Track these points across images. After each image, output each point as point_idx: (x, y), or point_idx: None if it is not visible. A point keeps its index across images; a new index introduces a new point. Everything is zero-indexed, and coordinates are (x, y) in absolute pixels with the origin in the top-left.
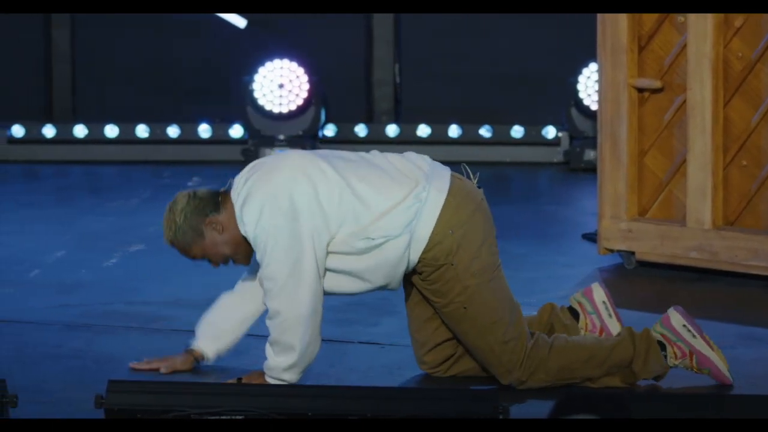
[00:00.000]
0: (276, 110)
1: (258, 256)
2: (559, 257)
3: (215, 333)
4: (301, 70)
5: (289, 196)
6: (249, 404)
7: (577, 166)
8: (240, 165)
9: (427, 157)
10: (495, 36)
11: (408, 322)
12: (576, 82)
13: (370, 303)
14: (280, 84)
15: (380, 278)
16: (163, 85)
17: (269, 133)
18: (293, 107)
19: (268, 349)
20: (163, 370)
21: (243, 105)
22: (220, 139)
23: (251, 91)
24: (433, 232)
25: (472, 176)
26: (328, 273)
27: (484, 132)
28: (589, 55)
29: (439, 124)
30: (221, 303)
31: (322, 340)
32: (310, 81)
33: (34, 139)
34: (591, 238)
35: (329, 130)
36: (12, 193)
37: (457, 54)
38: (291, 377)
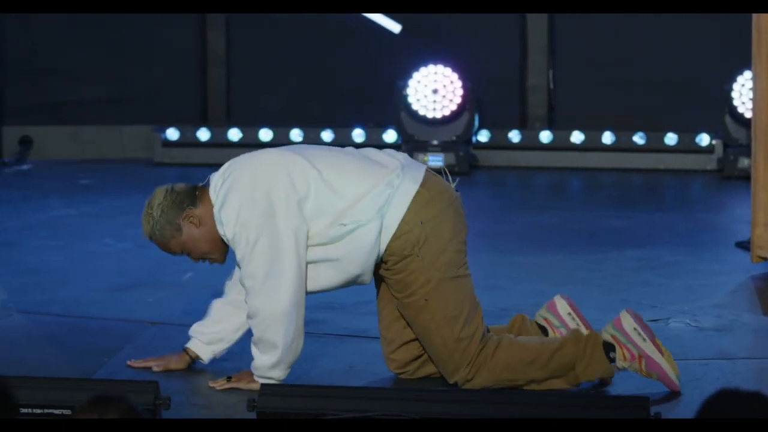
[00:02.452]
0: (430, 115)
1: (238, 256)
2: (713, 265)
3: (210, 338)
4: (455, 76)
5: (267, 194)
6: (400, 408)
7: (731, 174)
8: None
9: (405, 154)
10: (650, 42)
11: (378, 320)
12: (731, 89)
13: (523, 309)
14: (435, 89)
15: (355, 267)
16: (317, 90)
17: (423, 138)
18: (447, 112)
19: (253, 349)
20: (155, 369)
21: (397, 110)
22: (373, 144)
23: (405, 96)
24: (403, 220)
25: (450, 180)
26: (308, 266)
27: (638, 139)
28: (744, 63)
29: (592, 130)
30: (215, 312)
31: None
32: (464, 86)
33: (188, 142)
34: (744, 246)
35: (482, 136)
36: None
37: (611, 60)
38: (278, 374)
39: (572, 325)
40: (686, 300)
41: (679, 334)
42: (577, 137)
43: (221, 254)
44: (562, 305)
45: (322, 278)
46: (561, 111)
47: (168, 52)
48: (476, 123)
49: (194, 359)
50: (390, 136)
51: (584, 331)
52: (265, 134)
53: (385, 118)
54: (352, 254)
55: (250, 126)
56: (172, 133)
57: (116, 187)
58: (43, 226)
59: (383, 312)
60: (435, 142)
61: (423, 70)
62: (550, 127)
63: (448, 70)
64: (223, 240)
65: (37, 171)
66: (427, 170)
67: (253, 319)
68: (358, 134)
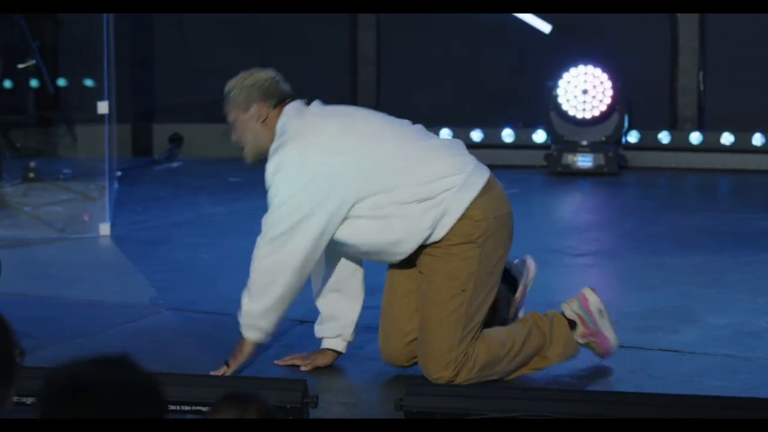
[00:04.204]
0: (579, 116)
1: (270, 194)
2: None
3: (335, 332)
4: (605, 76)
5: (322, 162)
6: (546, 408)
7: None
8: (542, 169)
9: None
10: None
11: (390, 314)
12: None
13: (670, 310)
14: (584, 89)
15: (400, 232)
16: (468, 90)
17: (572, 138)
18: (597, 113)
19: (245, 297)
20: (303, 368)
21: (546, 110)
22: (523, 144)
23: (555, 96)
24: (473, 205)
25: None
26: (358, 219)
27: None
28: None
29: (743, 132)
30: (325, 310)
31: (622, 347)
32: (614, 87)
33: None
34: None
35: (632, 137)
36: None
37: (762, 61)
38: (266, 324)
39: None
40: None
41: None
42: (727, 139)
43: (253, 156)
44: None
45: (362, 232)
46: (711, 112)
47: (318, 52)
48: (626, 124)
49: (337, 354)
50: (539, 136)
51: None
52: None
53: (535, 118)
54: (406, 219)
55: None
56: None
57: (263, 186)
58: (192, 224)
59: (401, 304)
60: (584, 143)
61: (573, 71)
62: (699, 129)
63: (598, 71)
64: (262, 149)
65: (187, 169)
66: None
67: (259, 262)
68: (507, 134)
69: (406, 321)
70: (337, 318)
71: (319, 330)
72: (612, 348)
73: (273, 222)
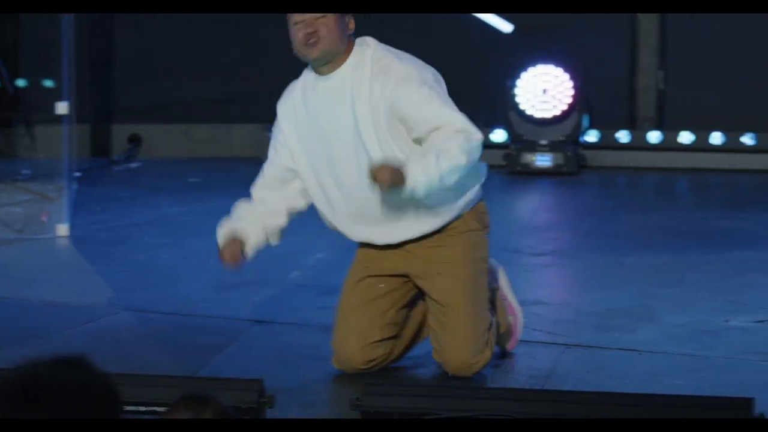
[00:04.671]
0: (539, 115)
1: (408, 104)
2: None
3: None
4: (565, 76)
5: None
6: (504, 408)
7: None
8: (501, 169)
9: None
10: (760, 41)
11: (352, 318)
12: None
13: (629, 309)
14: (544, 89)
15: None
16: None
17: (531, 137)
18: (556, 112)
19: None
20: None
21: (506, 110)
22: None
23: (514, 96)
24: (483, 201)
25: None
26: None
27: (748, 140)
28: None
29: (702, 131)
30: (248, 213)
31: (580, 346)
32: (574, 86)
33: None
34: None
35: (591, 136)
36: None
37: (722, 61)
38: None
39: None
40: None
41: None
42: (686, 138)
43: (325, 53)
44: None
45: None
46: (670, 112)
47: (278, 51)
48: (585, 123)
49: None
50: (498, 135)
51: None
52: None
53: (494, 118)
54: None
55: None
56: None
57: (225, 185)
58: (152, 224)
59: (368, 308)
60: (543, 142)
61: (532, 70)
62: (659, 128)
63: (558, 70)
64: (337, 53)
65: (147, 169)
66: None
67: (460, 134)
68: None
69: (370, 325)
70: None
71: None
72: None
73: (455, 111)
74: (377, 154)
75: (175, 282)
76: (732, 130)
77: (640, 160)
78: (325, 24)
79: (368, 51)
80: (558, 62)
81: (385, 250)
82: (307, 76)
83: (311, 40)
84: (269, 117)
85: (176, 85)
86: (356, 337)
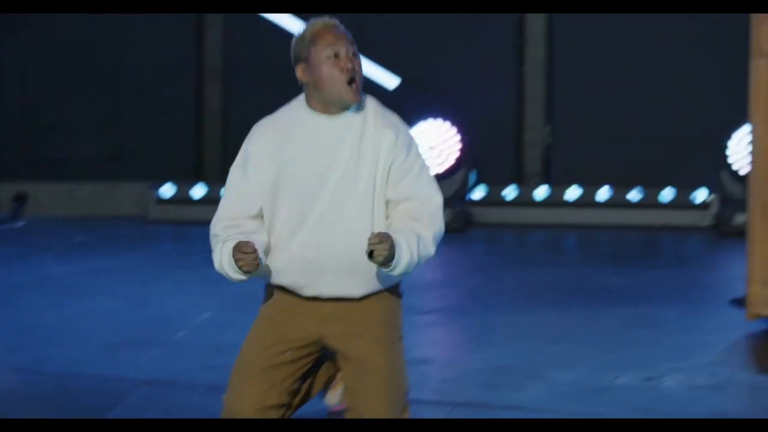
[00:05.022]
0: None
1: (412, 155)
2: (708, 322)
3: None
4: (452, 131)
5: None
6: None
7: (727, 230)
8: None
9: None
10: (647, 97)
11: (260, 378)
12: (727, 144)
13: (516, 367)
14: (431, 145)
15: None
16: None
17: None
18: (443, 169)
19: (431, 247)
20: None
21: None
22: None
23: None
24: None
25: None
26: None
27: (634, 195)
28: (742, 118)
29: (589, 186)
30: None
31: (466, 405)
32: (462, 142)
33: (183, 199)
34: (739, 303)
35: (479, 192)
36: (162, 254)
37: (608, 115)
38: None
39: None
40: (680, 358)
41: (673, 392)
42: (573, 193)
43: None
44: None
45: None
46: (557, 167)
47: (164, 108)
48: (472, 179)
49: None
50: None
51: None
52: None
53: None
54: None
55: None
56: (167, 190)
57: (111, 244)
58: (37, 284)
59: (270, 374)
60: None
61: (419, 126)
62: (546, 183)
63: (445, 126)
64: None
65: (32, 228)
66: None
67: (437, 214)
68: None
69: (269, 390)
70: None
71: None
72: None
73: (436, 189)
74: (369, 199)
75: (60, 342)
76: (619, 185)
77: (527, 217)
78: (358, 62)
79: (367, 98)
80: (445, 117)
81: (306, 310)
82: (295, 112)
83: (353, 82)
84: (155, 174)
85: (61, 142)
86: (253, 400)
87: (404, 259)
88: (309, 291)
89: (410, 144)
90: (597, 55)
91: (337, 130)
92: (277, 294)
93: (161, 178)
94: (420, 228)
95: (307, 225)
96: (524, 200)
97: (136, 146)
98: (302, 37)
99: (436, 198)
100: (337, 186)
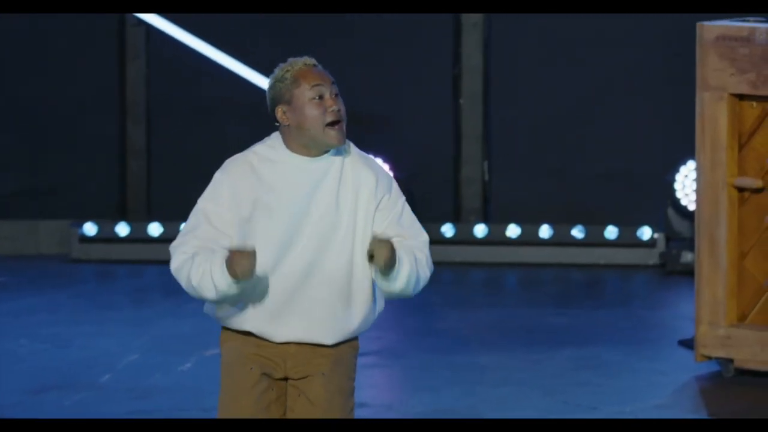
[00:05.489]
0: None
1: (394, 194)
2: (655, 364)
3: None
4: (386, 166)
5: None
6: None
7: (674, 269)
8: None
9: None
10: (587, 131)
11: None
12: (673, 180)
13: (457, 411)
14: None
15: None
16: None
17: None
18: None
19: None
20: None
21: None
22: None
23: None
24: None
25: None
26: None
27: (577, 233)
28: (687, 153)
29: (529, 224)
30: None
31: None
32: (397, 178)
33: (107, 237)
34: (688, 344)
35: None
36: (86, 294)
37: (549, 150)
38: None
39: None
40: (627, 401)
41: None
42: (513, 231)
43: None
44: None
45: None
46: (496, 203)
47: (86, 143)
48: None
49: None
50: None
51: None
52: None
53: None
54: None
55: (171, 220)
56: (90, 228)
57: (31, 285)
58: None
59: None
60: None
61: None
62: (485, 221)
63: (379, 161)
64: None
65: None
66: None
67: (425, 250)
68: None
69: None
70: None
71: None
72: None
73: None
74: (349, 244)
75: None
76: (560, 223)
77: (466, 255)
78: (341, 103)
79: (357, 151)
80: (378, 153)
81: (275, 351)
82: (272, 151)
83: (338, 125)
84: (78, 212)
85: None
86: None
87: (405, 268)
88: (279, 337)
89: (390, 185)
90: (536, 86)
91: (316, 172)
92: (239, 337)
93: (84, 216)
94: (415, 250)
95: (281, 269)
96: (463, 238)
97: (58, 183)
98: (282, 77)
99: (423, 235)
100: (315, 228)
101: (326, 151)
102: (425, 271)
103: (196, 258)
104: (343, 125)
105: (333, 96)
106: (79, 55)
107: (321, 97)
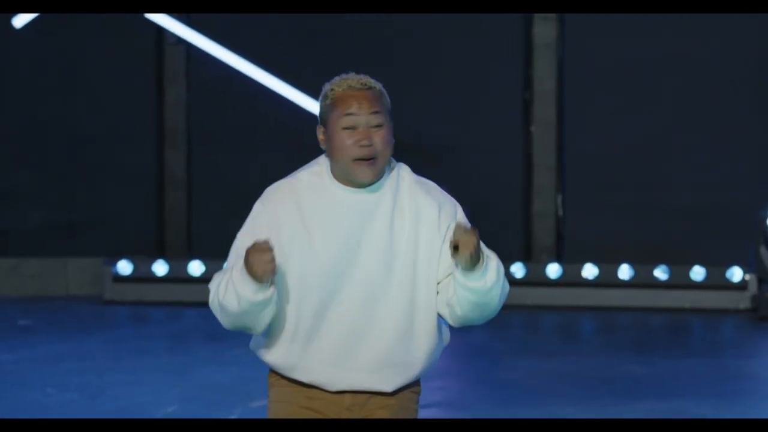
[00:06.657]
0: None
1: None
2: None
3: None
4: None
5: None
6: None
7: (767, 314)
8: None
9: None
10: (672, 163)
11: None
12: (766, 216)
13: None
14: None
15: None
16: None
17: None
18: None
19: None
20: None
21: None
22: None
23: None
24: None
25: None
26: None
27: (660, 273)
28: None
29: (607, 263)
30: None
31: None
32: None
33: (143, 276)
34: None
35: None
36: (120, 339)
37: (628, 183)
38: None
39: None
40: None
41: None
42: (589, 271)
43: (381, 172)
44: None
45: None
46: (571, 241)
47: (121, 173)
48: None
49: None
50: None
51: None
52: None
53: None
54: None
55: (213, 258)
56: (124, 267)
57: (59, 328)
58: None
59: None
60: None
61: None
62: (558, 260)
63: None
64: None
65: None
66: None
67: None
68: None
69: None
70: None
71: None
72: None
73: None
74: (408, 288)
75: None
76: (642, 262)
77: (537, 297)
78: (381, 135)
79: (399, 165)
80: (441, 184)
81: (333, 400)
82: (317, 179)
83: (371, 159)
84: (111, 249)
85: (6, 213)
86: None
87: (493, 261)
88: (335, 387)
89: (455, 211)
90: (614, 113)
91: (365, 206)
92: (289, 384)
93: (118, 253)
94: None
95: (331, 316)
96: (534, 278)
97: (90, 217)
98: (325, 95)
99: (494, 259)
100: (365, 270)
101: (377, 182)
102: (506, 285)
103: (221, 285)
104: (378, 161)
105: (370, 127)
106: (114, 78)
107: (353, 128)
